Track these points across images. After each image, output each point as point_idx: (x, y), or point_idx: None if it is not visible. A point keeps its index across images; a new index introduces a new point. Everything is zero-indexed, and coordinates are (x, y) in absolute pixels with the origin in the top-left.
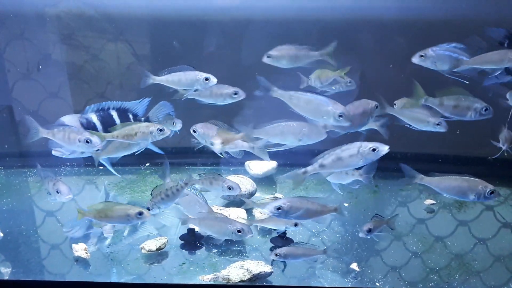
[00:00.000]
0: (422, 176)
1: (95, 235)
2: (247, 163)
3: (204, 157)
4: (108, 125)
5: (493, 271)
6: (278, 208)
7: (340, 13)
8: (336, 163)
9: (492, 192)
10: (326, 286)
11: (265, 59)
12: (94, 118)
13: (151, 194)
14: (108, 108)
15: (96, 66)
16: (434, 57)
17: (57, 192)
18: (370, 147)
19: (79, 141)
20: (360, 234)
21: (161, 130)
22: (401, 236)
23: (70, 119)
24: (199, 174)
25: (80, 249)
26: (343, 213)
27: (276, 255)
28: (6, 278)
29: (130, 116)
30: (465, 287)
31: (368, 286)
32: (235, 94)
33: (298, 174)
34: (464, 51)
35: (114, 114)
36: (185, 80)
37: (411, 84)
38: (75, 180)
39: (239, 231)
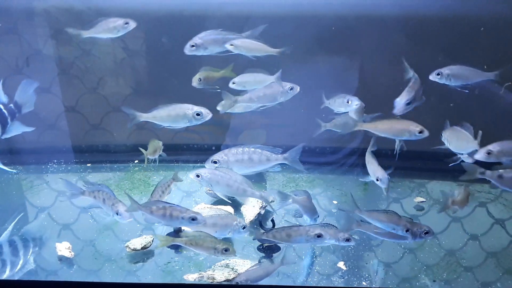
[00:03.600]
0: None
1: None
2: None
3: (195, 154)
4: None
5: (485, 267)
6: (215, 162)
7: (337, 8)
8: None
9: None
10: (312, 285)
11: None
12: None
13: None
14: None
15: (88, 61)
16: (204, 44)
17: (117, 214)
18: None
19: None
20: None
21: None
22: None
23: None
24: None
25: (63, 248)
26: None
27: (236, 283)
28: None
29: None
30: (456, 283)
31: (355, 285)
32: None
33: (474, 169)
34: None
35: None
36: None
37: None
38: (63, 178)
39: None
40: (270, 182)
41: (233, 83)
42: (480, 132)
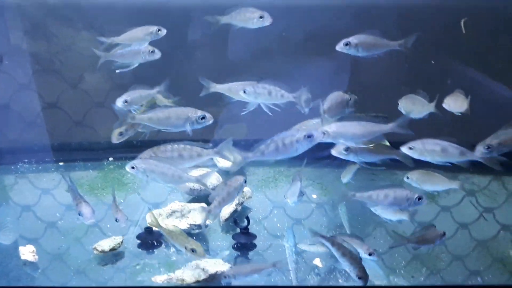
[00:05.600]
0: None
1: None
2: None
3: None
4: None
5: (471, 256)
6: None
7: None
8: None
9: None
10: (287, 285)
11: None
12: None
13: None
14: None
15: (68, 57)
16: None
17: (79, 214)
18: None
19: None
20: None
21: None
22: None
23: None
24: None
25: (27, 252)
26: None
27: (225, 276)
28: None
29: None
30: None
31: (330, 284)
32: None
33: None
34: None
35: None
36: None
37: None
38: (33, 178)
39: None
40: (249, 178)
41: (125, 101)
42: (437, 95)
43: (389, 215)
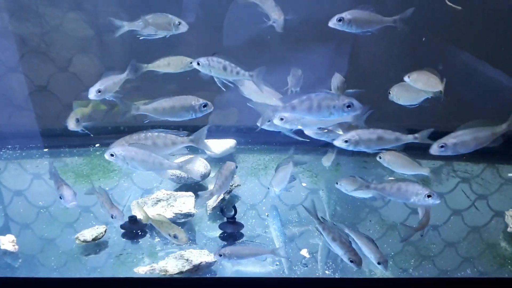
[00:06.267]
0: None
1: None
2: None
3: None
4: None
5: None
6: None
7: None
8: None
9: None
10: (273, 276)
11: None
12: None
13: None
14: None
15: (57, 38)
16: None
17: (60, 197)
18: None
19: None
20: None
21: None
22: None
23: None
24: None
25: (7, 242)
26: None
27: (220, 255)
28: None
29: None
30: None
31: (317, 275)
32: None
33: None
34: None
35: None
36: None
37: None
38: (16, 164)
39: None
40: (239, 165)
41: (99, 91)
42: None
43: (359, 193)
